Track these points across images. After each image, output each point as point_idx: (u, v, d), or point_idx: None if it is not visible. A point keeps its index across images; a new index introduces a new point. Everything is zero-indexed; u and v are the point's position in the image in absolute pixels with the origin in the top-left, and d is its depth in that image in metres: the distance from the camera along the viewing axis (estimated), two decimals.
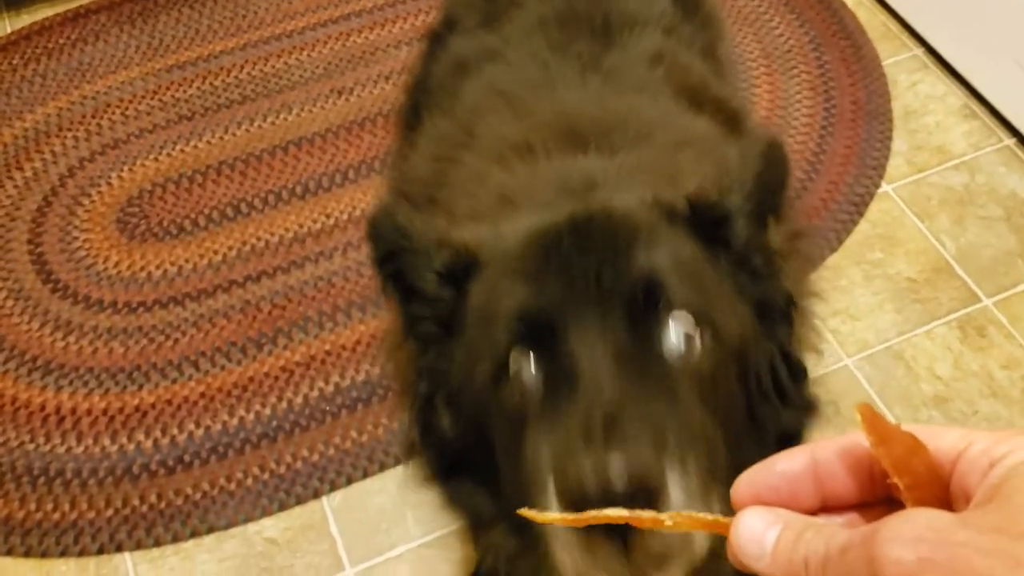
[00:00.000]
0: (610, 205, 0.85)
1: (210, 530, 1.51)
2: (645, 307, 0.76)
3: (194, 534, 1.51)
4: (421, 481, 0.91)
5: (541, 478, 0.70)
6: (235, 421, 1.61)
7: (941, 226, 1.83)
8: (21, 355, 1.70)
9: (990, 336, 1.69)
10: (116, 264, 1.81)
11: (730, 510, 0.48)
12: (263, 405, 1.62)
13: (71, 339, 1.71)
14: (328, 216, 1.87)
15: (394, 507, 1.52)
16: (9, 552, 1.49)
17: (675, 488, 0.66)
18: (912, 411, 1.61)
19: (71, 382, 1.66)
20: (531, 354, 0.76)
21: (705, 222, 0.84)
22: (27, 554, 1.49)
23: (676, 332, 0.76)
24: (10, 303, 1.76)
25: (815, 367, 1.57)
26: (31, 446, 1.59)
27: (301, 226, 1.85)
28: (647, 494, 0.63)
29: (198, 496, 1.53)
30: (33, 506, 1.52)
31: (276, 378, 1.66)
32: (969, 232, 1.82)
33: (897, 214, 1.85)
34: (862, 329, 1.71)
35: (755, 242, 0.85)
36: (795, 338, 0.87)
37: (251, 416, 1.61)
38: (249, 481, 1.55)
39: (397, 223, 0.85)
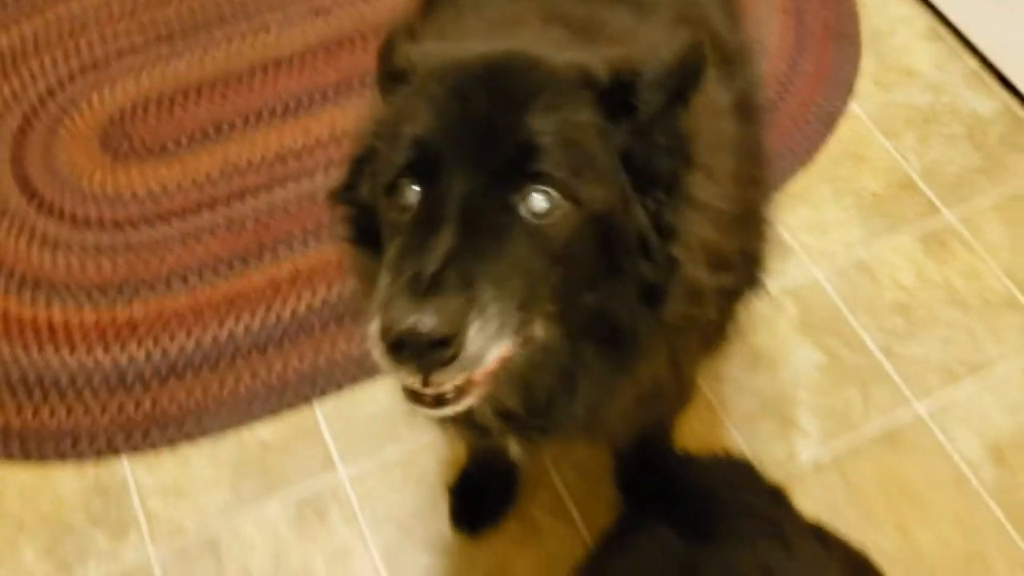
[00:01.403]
0: (528, 53, 0.89)
1: (204, 434, 1.56)
2: (516, 169, 0.82)
3: (189, 438, 1.56)
4: (337, 240, 0.98)
5: (377, 298, 0.79)
6: (224, 333, 1.65)
7: (907, 144, 1.89)
8: (10, 272, 1.72)
9: (951, 248, 1.77)
10: (100, 183, 1.83)
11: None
12: (252, 318, 1.67)
13: (59, 256, 1.74)
14: (309, 135, 1.89)
15: (384, 413, 1.57)
16: (8, 457, 1.53)
17: (472, 338, 0.76)
18: (876, 319, 1.69)
19: (61, 297, 1.69)
20: (414, 183, 0.84)
21: (618, 90, 0.88)
22: (26, 458, 1.53)
23: (536, 200, 0.82)
24: None
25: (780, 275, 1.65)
26: (25, 359, 1.62)
27: (282, 145, 1.88)
28: (445, 341, 0.75)
29: (191, 403, 1.58)
30: (30, 413, 1.56)
31: (263, 292, 1.70)
32: (933, 150, 1.89)
33: (865, 132, 1.91)
34: (830, 242, 1.78)
35: (661, 118, 0.89)
36: (673, 207, 0.90)
37: (240, 328, 1.66)
38: (241, 389, 1.60)
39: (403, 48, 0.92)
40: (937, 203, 1.82)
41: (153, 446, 1.55)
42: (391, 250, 0.83)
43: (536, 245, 0.82)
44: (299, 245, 1.75)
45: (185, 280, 1.71)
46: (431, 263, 0.77)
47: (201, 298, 1.69)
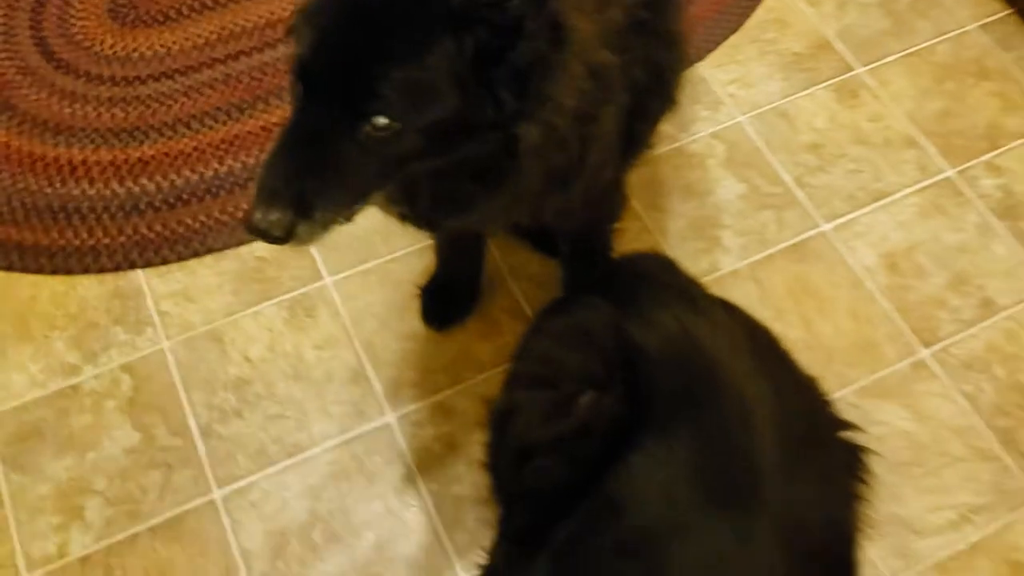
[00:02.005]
0: None
1: (209, 251, 1.81)
2: (359, 107, 1.01)
3: (196, 254, 1.80)
4: None
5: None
6: (224, 168, 1.89)
7: (826, 11, 2.13)
8: (33, 120, 1.95)
9: (861, 97, 2.01)
10: (111, 46, 2.06)
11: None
12: (247, 156, 1.91)
13: (76, 107, 1.97)
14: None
15: (364, 232, 1.82)
16: (40, 271, 1.78)
17: (300, 235, 1.05)
18: (792, 155, 1.94)
19: (79, 140, 1.92)
20: (301, 90, 1.05)
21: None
22: (55, 272, 1.78)
23: (375, 123, 1.02)
24: (19, 78, 2.00)
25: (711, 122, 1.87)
26: (49, 189, 1.86)
27: (272, 13, 2.10)
28: (285, 233, 1.04)
29: (197, 225, 1.83)
30: (56, 234, 1.81)
31: (258, 135, 1.93)
32: (849, 16, 2.13)
33: (789, 1, 2.15)
34: (754, 94, 2.02)
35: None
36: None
37: (238, 164, 1.90)
38: (240, 214, 1.84)
39: None
40: (850, 60, 2.07)
41: (164, 261, 1.80)
42: (272, 145, 1.06)
43: (375, 152, 1.05)
44: (288, 96, 1.98)
45: (188, 126, 1.94)
46: (278, 176, 1.03)
47: (203, 140, 1.93)
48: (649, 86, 1.40)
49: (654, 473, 1.28)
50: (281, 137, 1.06)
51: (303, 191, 1.03)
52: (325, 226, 1.08)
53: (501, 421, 1.42)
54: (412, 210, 1.27)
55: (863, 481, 1.45)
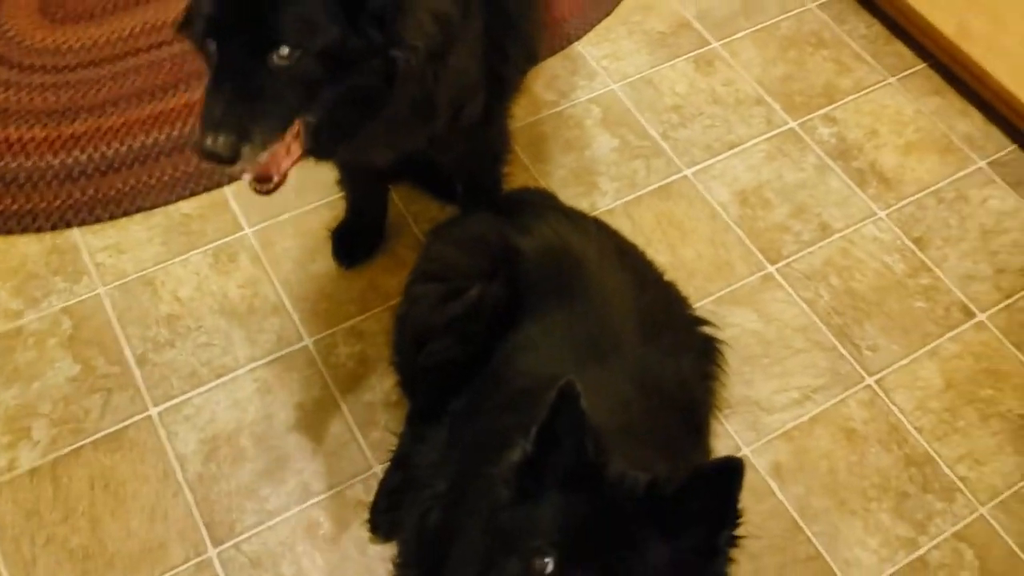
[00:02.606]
0: None
1: (139, 210, 2.00)
2: (266, 40, 1.26)
3: (126, 213, 2.00)
4: None
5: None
6: (150, 140, 2.10)
7: None
8: None
9: (716, 66, 2.31)
10: (42, 40, 2.25)
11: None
12: (172, 129, 2.11)
13: (11, 93, 2.15)
14: None
15: None
16: None
17: (246, 154, 1.26)
18: (657, 115, 2.22)
19: (15, 121, 2.10)
20: (212, 40, 1.29)
21: None
22: None
23: (281, 53, 1.26)
24: None
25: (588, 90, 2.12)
26: None
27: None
28: (232, 153, 1.25)
29: (127, 188, 2.02)
30: None
31: (180, 112, 2.14)
32: (705, 0, 2.44)
33: None
34: (624, 66, 2.30)
35: None
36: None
37: (163, 136, 2.10)
38: (166, 178, 2.04)
39: None
40: (707, 36, 2.37)
41: (98, 219, 1.98)
42: (205, 84, 1.28)
43: (287, 79, 1.27)
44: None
45: (116, 105, 2.14)
46: (217, 108, 1.24)
47: (131, 117, 2.13)
48: (505, 32, 1.65)
49: (531, 347, 1.52)
50: (210, 82, 1.28)
51: (240, 118, 1.25)
52: (264, 146, 1.29)
53: (402, 319, 1.64)
54: (315, 141, 1.49)
55: (717, 365, 1.71)
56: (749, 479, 1.69)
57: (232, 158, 1.25)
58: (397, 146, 1.62)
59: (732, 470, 1.04)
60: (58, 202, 2.00)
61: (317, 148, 1.51)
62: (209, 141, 1.23)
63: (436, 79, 1.47)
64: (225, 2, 1.27)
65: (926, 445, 1.77)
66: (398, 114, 1.44)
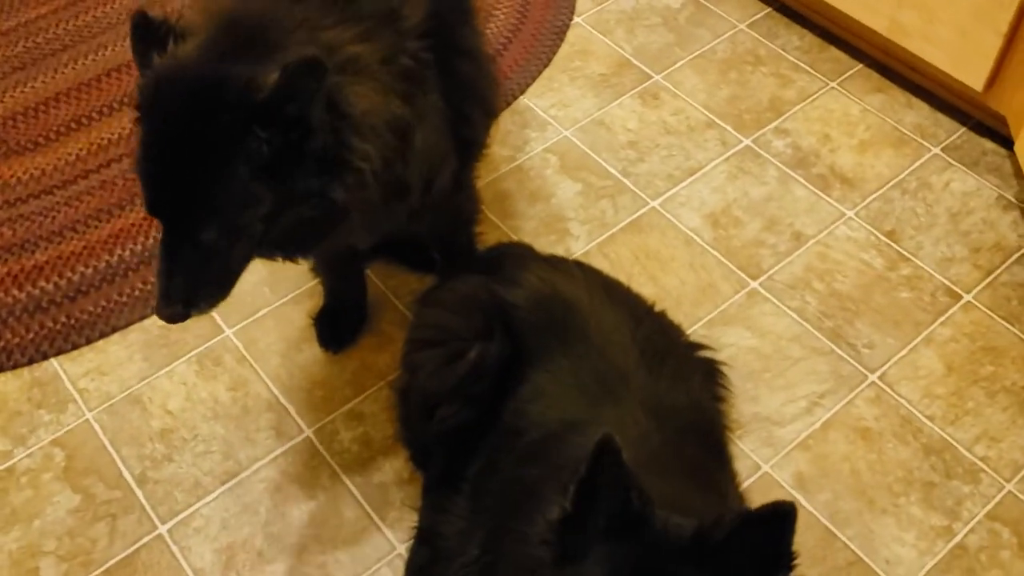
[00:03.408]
0: (192, 71, 1.27)
1: (114, 330, 1.96)
2: (190, 223, 1.30)
3: (102, 335, 1.95)
4: None
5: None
6: (115, 259, 2.07)
7: (619, 37, 2.48)
8: None
9: (662, 98, 2.35)
10: None
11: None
12: (135, 244, 2.09)
13: None
14: None
15: (252, 285, 2.01)
16: None
17: (196, 312, 1.38)
18: (615, 153, 2.24)
19: None
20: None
21: (270, 103, 1.23)
22: None
23: (208, 236, 1.31)
24: None
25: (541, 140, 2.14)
26: None
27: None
28: (183, 318, 1.38)
29: (99, 310, 1.98)
30: None
31: (140, 226, 2.12)
32: (639, 37, 2.48)
33: (587, 35, 2.49)
34: (573, 111, 2.33)
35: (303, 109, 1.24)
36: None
37: (127, 253, 2.07)
38: (136, 293, 2.01)
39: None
40: (647, 71, 2.41)
41: (75, 346, 1.94)
42: (156, 258, 1.37)
43: (226, 248, 1.33)
44: None
45: (75, 230, 2.12)
46: (165, 281, 1.34)
47: (91, 239, 2.10)
48: (463, 96, 1.66)
49: (541, 396, 1.50)
50: (160, 252, 1.35)
51: (186, 289, 1.36)
52: (212, 305, 1.40)
53: (405, 392, 1.62)
54: (281, 254, 1.49)
55: (722, 387, 1.71)
56: (775, 495, 1.69)
57: (183, 320, 1.39)
58: (376, 230, 1.62)
59: (784, 515, 1.02)
60: (31, 335, 1.95)
61: (287, 257, 1.50)
62: (161, 311, 1.37)
63: (405, 163, 1.47)
64: (155, 189, 1.32)
65: (940, 431, 1.77)
66: (368, 207, 1.44)
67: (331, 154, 1.31)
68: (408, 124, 1.44)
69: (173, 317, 1.37)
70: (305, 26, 1.35)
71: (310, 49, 1.28)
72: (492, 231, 2.08)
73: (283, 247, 1.45)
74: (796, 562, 1.03)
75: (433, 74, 1.55)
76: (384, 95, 1.40)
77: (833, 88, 2.36)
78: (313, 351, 1.92)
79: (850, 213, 2.11)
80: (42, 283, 2.03)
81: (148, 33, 1.33)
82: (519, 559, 1.22)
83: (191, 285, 1.36)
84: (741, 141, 2.25)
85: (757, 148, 2.24)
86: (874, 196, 2.14)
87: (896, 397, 1.82)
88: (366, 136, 1.35)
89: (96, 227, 2.12)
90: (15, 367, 1.91)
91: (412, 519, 1.66)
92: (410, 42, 1.47)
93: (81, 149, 2.28)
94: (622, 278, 1.92)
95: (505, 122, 2.31)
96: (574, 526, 1.06)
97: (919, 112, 2.29)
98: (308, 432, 1.80)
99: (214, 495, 1.73)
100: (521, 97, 2.37)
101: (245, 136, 1.25)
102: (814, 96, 2.34)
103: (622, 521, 1.04)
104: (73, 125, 2.33)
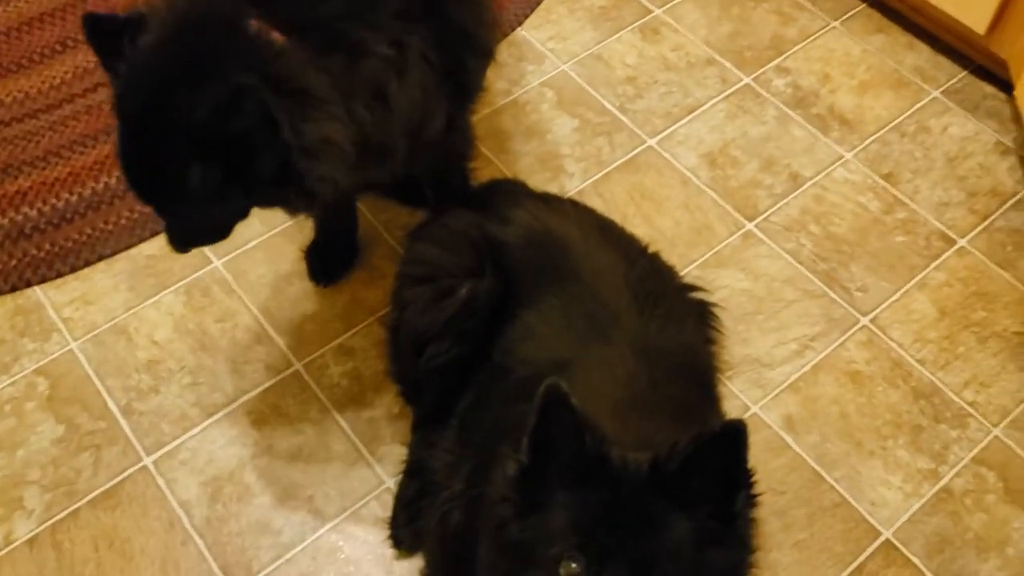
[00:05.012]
0: (146, 86, 1.31)
1: (100, 258, 1.93)
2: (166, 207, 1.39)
3: (87, 263, 1.92)
4: None
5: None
6: (100, 186, 2.03)
7: None
8: None
9: (662, 33, 2.30)
10: None
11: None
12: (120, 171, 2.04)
13: None
14: None
15: None
16: None
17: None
18: (612, 88, 2.19)
19: None
20: None
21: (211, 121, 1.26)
22: None
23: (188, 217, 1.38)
24: None
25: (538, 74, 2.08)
26: None
27: None
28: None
29: (84, 238, 1.95)
30: None
31: None
32: None
33: None
34: (571, 45, 2.28)
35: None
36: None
37: (113, 180, 2.03)
38: (123, 222, 1.98)
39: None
40: (648, 5, 2.35)
41: (59, 274, 1.91)
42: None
43: (207, 220, 1.41)
44: None
45: (59, 155, 2.07)
46: (166, 232, 1.42)
47: (76, 166, 2.06)
48: (459, 43, 1.61)
49: (530, 335, 1.48)
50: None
51: (184, 237, 1.44)
52: (213, 243, 1.49)
53: (395, 328, 1.60)
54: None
55: (714, 328, 1.69)
56: (763, 436, 1.69)
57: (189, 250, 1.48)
58: (360, 185, 1.60)
59: (734, 433, 1.02)
60: (14, 262, 1.92)
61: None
62: (169, 244, 1.44)
63: (383, 128, 1.44)
64: (133, 180, 1.38)
65: (931, 376, 1.77)
66: (344, 184, 1.42)
67: (286, 173, 1.32)
68: (376, 127, 1.42)
69: (179, 250, 1.45)
70: (258, 42, 1.31)
71: (249, 77, 1.25)
72: (486, 166, 2.05)
73: (272, 203, 1.45)
74: (753, 479, 1.05)
75: (416, 41, 1.48)
76: (340, 120, 1.37)
77: (835, 27, 2.31)
78: (303, 284, 1.90)
79: (848, 155, 2.08)
80: (25, 209, 1.99)
81: (102, 33, 1.34)
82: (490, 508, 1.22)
83: (188, 236, 1.44)
84: (741, 79, 2.21)
85: (757, 87, 2.20)
86: (872, 138, 2.11)
87: (887, 341, 1.81)
88: (321, 158, 1.35)
89: (82, 153, 2.08)
90: None
91: (401, 453, 1.65)
92: (383, 30, 1.42)
93: (67, 72, 2.22)
94: (616, 218, 1.89)
95: (502, 54, 2.25)
96: (533, 477, 1.06)
97: (920, 54, 2.25)
98: (298, 366, 1.79)
99: (201, 427, 1.71)
100: (519, 29, 2.31)
101: (192, 158, 1.29)
102: (815, 35, 2.29)
103: (581, 465, 1.04)
104: (58, 47, 2.26)
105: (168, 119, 1.28)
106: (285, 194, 1.38)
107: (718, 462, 1.02)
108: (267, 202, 1.42)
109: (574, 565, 1.01)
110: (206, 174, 1.30)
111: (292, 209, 1.49)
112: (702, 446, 1.02)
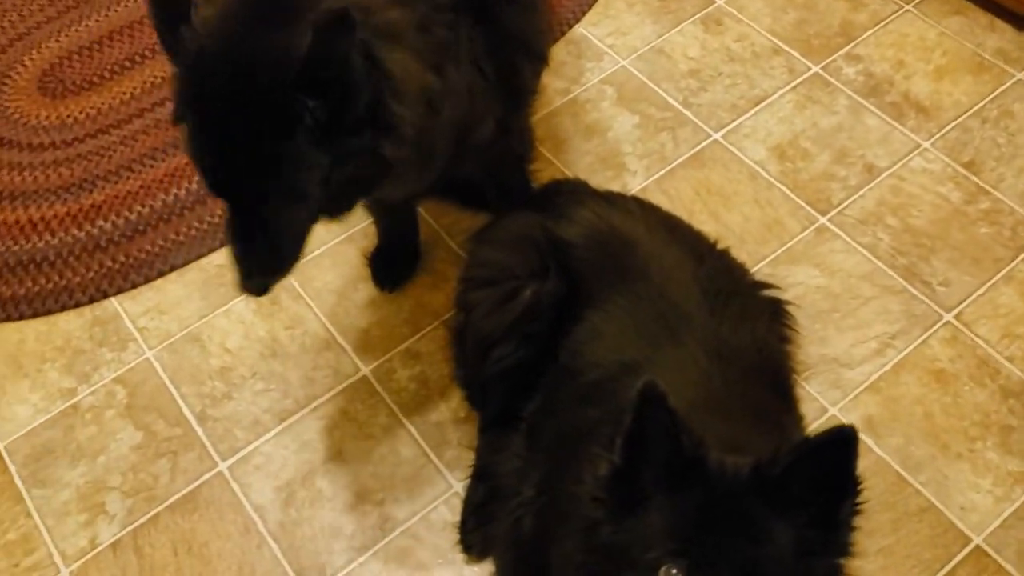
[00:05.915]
0: (225, 50, 1.23)
1: (172, 269, 1.97)
2: (253, 208, 1.32)
3: (160, 274, 1.96)
4: None
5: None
6: (171, 198, 2.06)
7: None
8: None
9: (725, 24, 2.25)
10: (47, 117, 2.23)
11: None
12: (190, 183, 2.08)
13: (26, 174, 2.13)
14: None
15: None
16: (21, 317, 1.92)
17: (273, 283, 1.41)
18: (676, 84, 2.15)
19: (35, 201, 2.08)
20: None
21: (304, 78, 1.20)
22: (35, 315, 1.92)
23: (271, 208, 1.32)
24: None
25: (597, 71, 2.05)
26: (16, 247, 2.01)
27: None
28: (263, 291, 1.41)
29: (157, 249, 1.99)
30: (31, 283, 1.95)
31: None
32: None
33: None
34: (631, 40, 2.25)
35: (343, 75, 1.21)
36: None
37: (183, 192, 2.07)
38: (193, 232, 2.01)
39: None
40: None
41: (134, 285, 1.95)
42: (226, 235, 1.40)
43: (286, 219, 1.34)
44: None
45: (131, 169, 2.11)
46: (240, 257, 1.36)
47: (147, 178, 2.10)
48: (511, 48, 1.59)
49: (598, 337, 1.46)
50: (228, 231, 1.37)
51: (261, 263, 1.38)
52: (285, 273, 1.41)
53: (460, 332, 1.59)
54: (323, 214, 1.45)
55: (789, 327, 1.64)
56: None
57: (265, 292, 1.43)
58: (405, 191, 1.60)
59: (845, 440, 0.97)
60: (91, 274, 1.97)
61: (327, 216, 1.47)
62: (243, 286, 1.39)
63: (432, 133, 1.42)
64: (214, 172, 1.30)
65: (1020, 373, 1.70)
66: (405, 167, 1.41)
67: (376, 113, 1.29)
68: (438, 97, 1.40)
69: (254, 292, 1.41)
70: None
71: (338, 4, 1.22)
72: (546, 167, 2.03)
73: (328, 208, 1.41)
74: (861, 487, 1.00)
75: (467, 40, 1.47)
76: (419, 63, 1.36)
77: (908, 11, 2.23)
78: (369, 290, 1.91)
79: (926, 144, 2.01)
80: (100, 222, 2.04)
81: (167, 7, 1.30)
82: (574, 501, 1.20)
83: (266, 260, 1.38)
84: (810, 68, 2.15)
85: (826, 75, 2.14)
86: (951, 125, 2.03)
87: (973, 337, 1.74)
88: (403, 101, 1.32)
89: (152, 166, 2.12)
90: (77, 306, 1.93)
91: (469, 458, 1.65)
92: (444, 13, 1.41)
93: (135, 88, 2.26)
94: (682, 215, 1.86)
95: (560, 53, 2.23)
96: (626, 479, 1.03)
97: (1002, 35, 2.16)
98: (365, 371, 1.79)
99: (273, 432, 1.73)
100: (576, 26, 2.29)
101: (292, 108, 1.23)
102: (888, 19, 2.22)
103: (677, 467, 1.01)
104: (127, 64, 2.31)
105: (267, 60, 1.22)
106: (371, 143, 1.30)
107: (823, 468, 0.98)
108: (347, 168, 1.32)
109: (675, 571, 0.98)
110: (304, 121, 1.23)
111: (367, 180, 1.39)
112: (809, 452, 0.98)
